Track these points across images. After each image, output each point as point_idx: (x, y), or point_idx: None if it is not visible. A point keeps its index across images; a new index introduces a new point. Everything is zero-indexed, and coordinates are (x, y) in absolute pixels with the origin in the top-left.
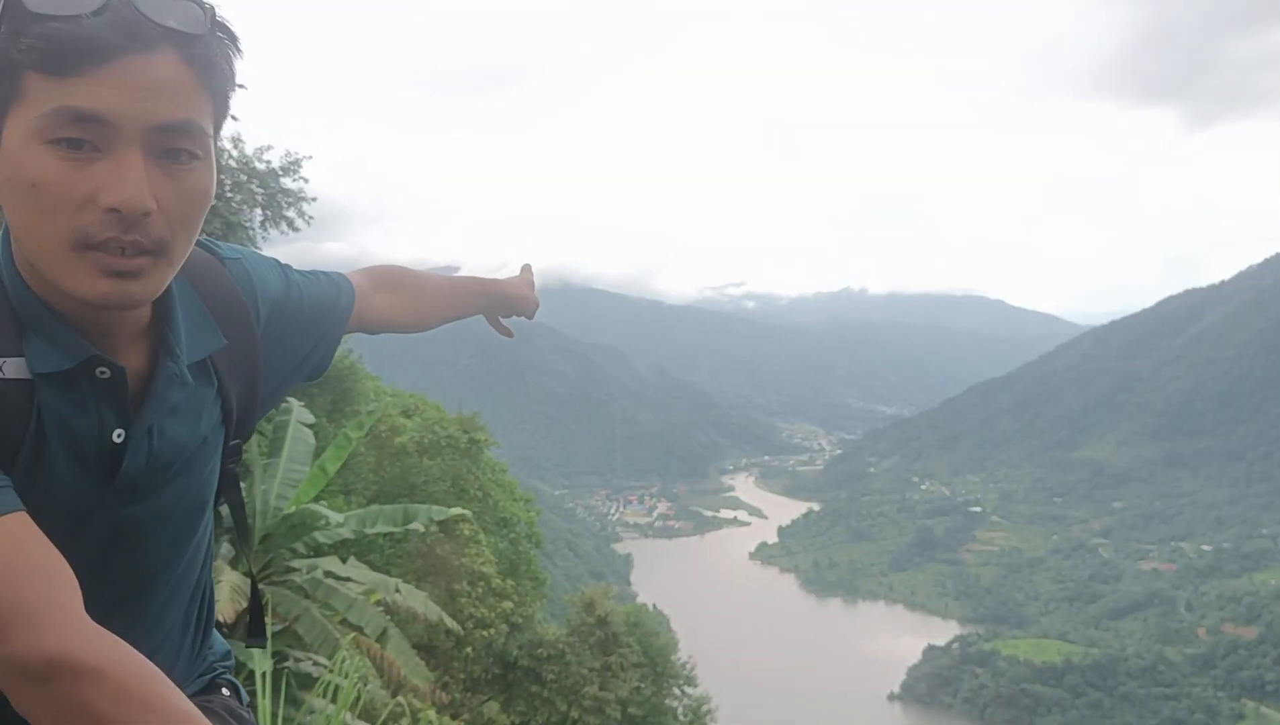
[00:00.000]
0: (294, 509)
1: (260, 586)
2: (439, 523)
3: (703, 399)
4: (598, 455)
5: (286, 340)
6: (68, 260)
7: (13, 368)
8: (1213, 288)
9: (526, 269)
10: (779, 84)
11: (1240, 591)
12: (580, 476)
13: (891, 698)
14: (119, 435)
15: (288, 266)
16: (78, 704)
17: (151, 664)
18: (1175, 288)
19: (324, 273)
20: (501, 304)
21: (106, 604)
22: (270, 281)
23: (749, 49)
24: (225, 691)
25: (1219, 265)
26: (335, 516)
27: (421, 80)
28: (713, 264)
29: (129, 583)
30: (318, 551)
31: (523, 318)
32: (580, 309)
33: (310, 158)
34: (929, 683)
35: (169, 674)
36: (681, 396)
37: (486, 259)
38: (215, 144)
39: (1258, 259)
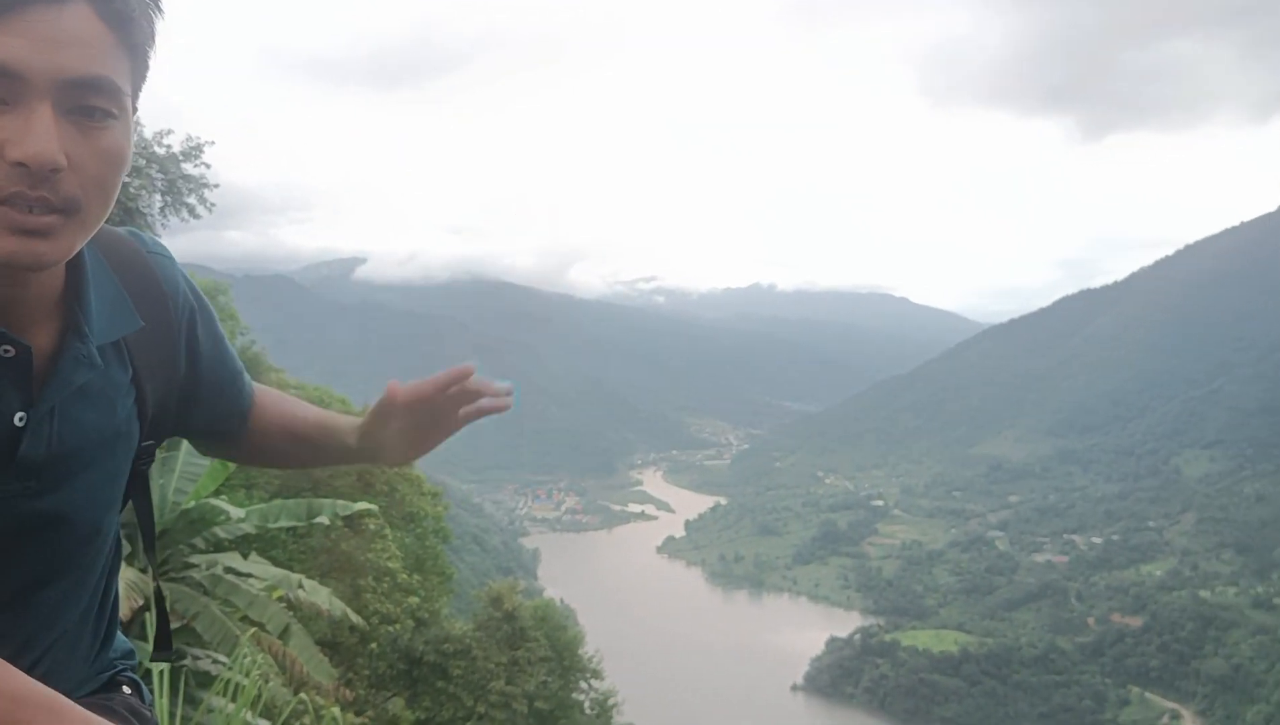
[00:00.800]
0: (193, 504)
1: (165, 597)
2: (344, 518)
3: (612, 394)
4: (506, 450)
5: (211, 374)
6: None
7: None
8: (1106, 289)
9: (465, 372)
10: (691, 83)
11: (1128, 582)
12: (489, 471)
13: (795, 689)
14: (20, 418)
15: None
16: None
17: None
18: (1072, 288)
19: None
20: (366, 458)
21: (2, 596)
22: (199, 305)
23: (663, 48)
24: (127, 689)
25: (1113, 267)
26: (236, 511)
27: (334, 69)
28: (625, 259)
29: (24, 579)
30: (218, 547)
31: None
32: (491, 303)
33: (213, 143)
34: (831, 674)
35: (63, 673)
36: (591, 391)
37: (395, 247)
38: (134, 105)
39: (1149, 261)
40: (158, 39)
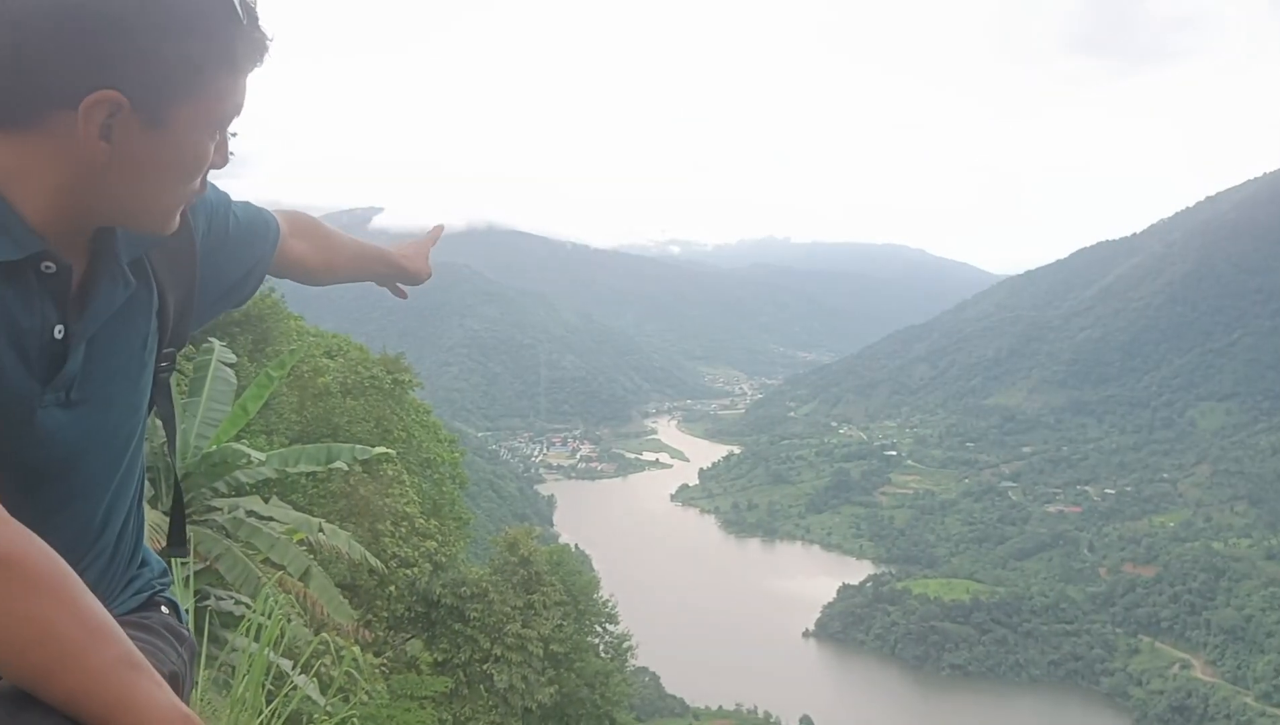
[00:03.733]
0: (214, 448)
1: (184, 494)
2: (362, 462)
3: (626, 343)
4: (521, 398)
5: (224, 259)
6: (176, 213)
7: None
8: (1124, 240)
9: (437, 230)
10: (712, 28)
11: (1140, 533)
12: (503, 419)
13: (806, 635)
14: (59, 331)
15: (225, 192)
16: None
17: (65, 563)
18: (1090, 240)
19: (255, 206)
20: (398, 275)
21: (41, 509)
22: (210, 198)
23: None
24: (164, 609)
25: (1132, 218)
26: (257, 455)
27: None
28: (639, 209)
29: (65, 488)
30: (239, 491)
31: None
32: (505, 252)
33: None
34: (843, 620)
35: (102, 588)
36: (605, 340)
37: (411, 196)
38: None
39: (1168, 212)
40: None
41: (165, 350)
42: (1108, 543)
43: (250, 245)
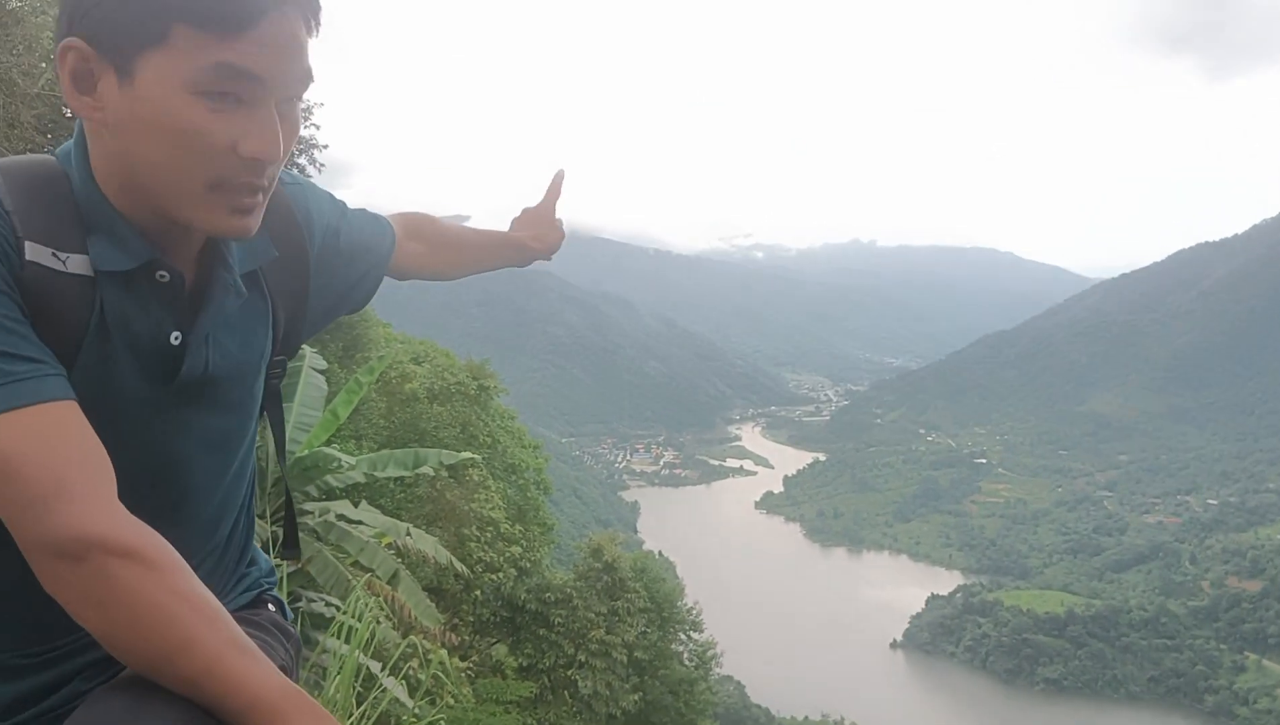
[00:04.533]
0: (306, 452)
1: (294, 500)
2: (448, 468)
3: (709, 349)
4: (604, 404)
5: (335, 269)
6: (200, 199)
7: (76, 264)
8: (1225, 241)
9: (558, 178)
10: (791, 36)
11: (1245, 545)
12: (587, 425)
13: (894, 645)
14: (176, 337)
15: (342, 202)
16: (108, 585)
17: (181, 557)
18: (1189, 241)
19: (371, 213)
20: (526, 257)
21: (156, 508)
22: (325, 211)
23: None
24: (271, 607)
25: (1233, 220)
26: (347, 459)
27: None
28: (722, 214)
29: (179, 488)
30: (329, 495)
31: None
32: (588, 258)
33: (323, 105)
34: (931, 631)
35: (215, 585)
36: (688, 346)
37: (493, 203)
38: None
39: (1271, 213)
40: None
41: (276, 358)
42: (1210, 555)
43: (365, 254)
